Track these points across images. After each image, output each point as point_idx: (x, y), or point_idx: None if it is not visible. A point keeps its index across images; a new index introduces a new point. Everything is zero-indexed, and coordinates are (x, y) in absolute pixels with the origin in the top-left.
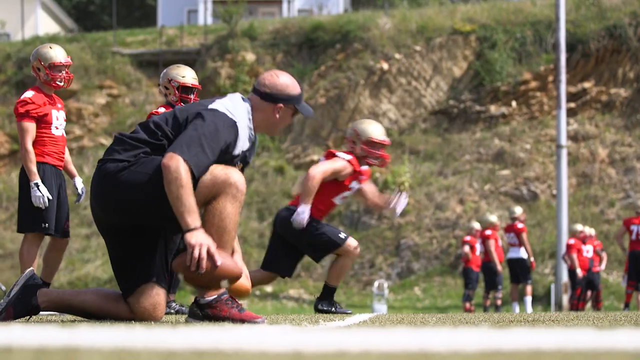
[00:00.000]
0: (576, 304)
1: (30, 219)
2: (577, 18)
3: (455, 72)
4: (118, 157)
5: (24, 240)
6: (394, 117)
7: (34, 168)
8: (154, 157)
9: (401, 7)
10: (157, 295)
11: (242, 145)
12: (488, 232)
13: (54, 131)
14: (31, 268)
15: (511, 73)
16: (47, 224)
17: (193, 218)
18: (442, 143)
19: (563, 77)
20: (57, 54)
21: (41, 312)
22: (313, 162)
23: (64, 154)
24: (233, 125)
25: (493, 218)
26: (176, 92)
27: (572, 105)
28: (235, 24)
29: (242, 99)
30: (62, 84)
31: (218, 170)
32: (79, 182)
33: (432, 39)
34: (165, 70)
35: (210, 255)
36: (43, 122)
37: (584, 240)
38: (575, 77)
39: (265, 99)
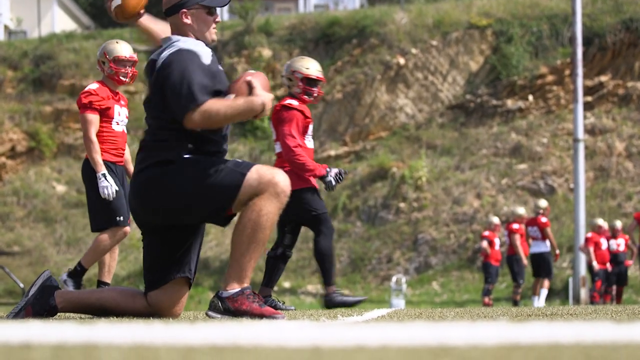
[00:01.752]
0: (596, 297)
1: (103, 215)
2: (594, 11)
3: (471, 67)
4: (158, 159)
5: (104, 233)
6: (410, 112)
7: (99, 159)
8: (196, 157)
9: (417, 2)
10: (180, 291)
11: (206, 53)
12: (515, 225)
13: (114, 126)
14: (48, 270)
15: (528, 67)
16: (121, 217)
17: (252, 100)
18: (459, 137)
19: (580, 70)
20: (123, 48)
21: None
22: (330, 158)
23: (123, 150)
24: (181, 52)
25: (521, 210)
26: (299, 83)
27: (589, 98)
28: (252, 20)
29: (170, 38)
30: (125, 79)
31: (264, 170)
32: None
33: (449, 34)
34: (288, 62)
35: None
36: (104, 116)
37: (614, 234)
38: (591, 70)
39: (172, 14)
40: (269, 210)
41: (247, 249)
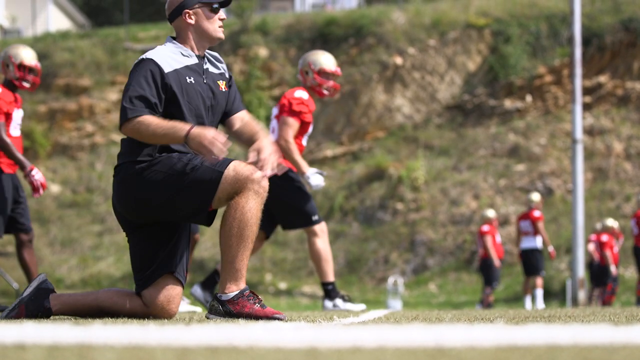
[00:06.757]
0: (608, 300)
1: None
2: (592, 11)
3: (469, 67)
4: (135, 157)
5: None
6: (408, 112)
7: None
8: (170, 154)
9: (414, 2)
10: (172, 289)
11: (171, 64)
12: (485, 227)
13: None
14: (43, 273)
15: (526, 67)
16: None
17: (178, 130)
18: (456, 138)
19: (578, 71)
20: (330, 62)
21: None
22: (327, 158)
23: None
24: (142, 60)
25: (491, 213)
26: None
27: (588, 99)
28: (248, 19)
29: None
30: (327, 92)
31: (241, 167)
32: None
33: (446, 33)
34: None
35: (217, 139)
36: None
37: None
38: (590, 71)
39: (175, 17)
40: (251, 206)
41: (237, 249)
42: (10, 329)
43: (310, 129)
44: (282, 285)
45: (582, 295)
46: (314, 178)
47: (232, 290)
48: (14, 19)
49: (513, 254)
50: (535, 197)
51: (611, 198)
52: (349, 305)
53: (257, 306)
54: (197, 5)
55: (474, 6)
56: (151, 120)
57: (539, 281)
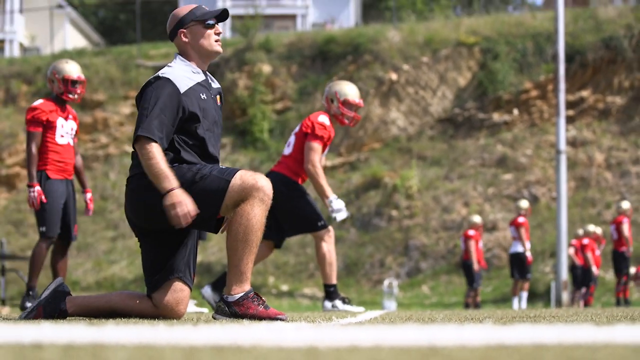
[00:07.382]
0: (590, 300)
1: None
2: (575, 30)
3: (460, 82)
4: (143, 170)
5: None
6: (402, 124)
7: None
8: (180, 165)
9: (409, 21)
10: (181, 292)
11: (186, 83)
12: (471, 232)
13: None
14: (60, 277)
15: (513, 83)
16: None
17: (166, 182)
18: (448, 149)
19: (562, 86)
20: (354, 94)
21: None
22: (326, 168)
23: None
24: (159, 79)
25: (477, 219)
26: None
27: (571, 112)
28: (252, 37)
29: (175, 58)
30: (347, 121)
31: (247, 176)
32: None
33: (438, 51)
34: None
35: (189, 212)
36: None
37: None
38: (573, 86)
39: (173, 37)
40: (256, 213)
41: (242, 253)
42: (28, 330)
43: (326, 151)
44: (284, 288)
45: (565, 296)
46: (337, 204)
47: (238, 292)
48: (34, 37)
49: (502, 258)
50: (523, 204)
51: (593, 205)
52: (347, 307)
53: (261, 307)
54: (191, 24)
55: (464, 25)
56: (155, 154)
57: (525, 284)
